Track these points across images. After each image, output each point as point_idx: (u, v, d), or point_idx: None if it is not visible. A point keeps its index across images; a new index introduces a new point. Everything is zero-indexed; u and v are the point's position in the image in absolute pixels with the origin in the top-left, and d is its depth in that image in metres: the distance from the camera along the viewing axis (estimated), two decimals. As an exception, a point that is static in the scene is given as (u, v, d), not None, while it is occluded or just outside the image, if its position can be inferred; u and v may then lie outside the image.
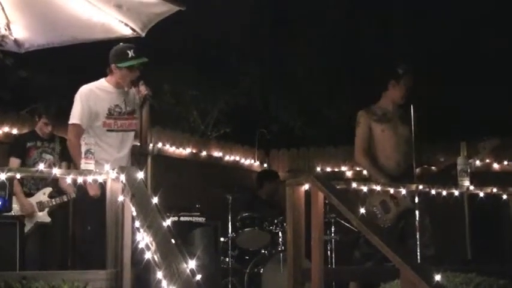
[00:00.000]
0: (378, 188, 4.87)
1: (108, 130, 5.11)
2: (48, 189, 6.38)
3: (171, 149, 8.91)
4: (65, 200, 6.41)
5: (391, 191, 5.37)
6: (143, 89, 4.98)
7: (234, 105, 11.63)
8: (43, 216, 6.34)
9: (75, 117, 5.05)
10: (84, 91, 5.11)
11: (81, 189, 4.83)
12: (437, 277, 3.31)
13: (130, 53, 5.06)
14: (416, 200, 5.30)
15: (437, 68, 10.60)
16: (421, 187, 4.92)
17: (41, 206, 6.32)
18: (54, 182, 6.39)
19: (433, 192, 4.91)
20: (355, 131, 5.88)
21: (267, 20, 11.62)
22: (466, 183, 5.01)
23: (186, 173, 8.89)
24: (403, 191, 5.14)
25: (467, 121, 9.98)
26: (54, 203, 6.36)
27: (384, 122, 5.81)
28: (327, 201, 4.87)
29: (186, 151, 9.16)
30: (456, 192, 4.99)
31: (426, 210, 5.60)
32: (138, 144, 5.12)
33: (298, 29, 11.62)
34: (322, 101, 11.81)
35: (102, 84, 5.20)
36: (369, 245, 6.08)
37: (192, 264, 2.89)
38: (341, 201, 4.19)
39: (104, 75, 5.24)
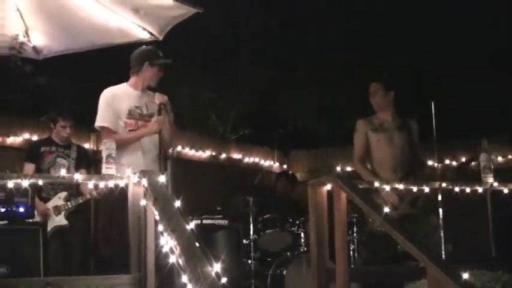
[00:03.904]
0: (401, 186, 4.85)
1: (130, 130, 5.14)
2: (64, 193, 6.39)
3: (190, 152, 8.92)
4: (80, 201, 6.41)
5: (386, 197, 5.44)
6: (158, 98, 5.12)
7: (252, 107, 11.62)
8: (60, 220, 6.35)
9: (100, 119, 5.12)
10: (107, 92, 5.20)
11: (104, 194, 4.83)
12: (465, 276, 3.27)
13: (161, 53, 5.29)
14: (440, 197, 5.28)
15: (456, 64, 10.53)
16: (444, 184, 4.88)
17: (57, 210, 6.33)
18: (71, 186, 6.41)
19: (457, 189, 4.87)
20: (353, 139, 5.94)
21: (281, 20, 11.58)
22: (490, 179, 4.98)
23: (206, 175, 8.89)
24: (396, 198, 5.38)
25: (488, 117, 9.89)
26: (69, 205, 6.37)
27: (380, 132, 5.85)
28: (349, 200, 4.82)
29: (205, 154, 9.17)
30: (480, 189, 4.95)
31: (431, 210, 5.60)
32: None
33: (314, 26, 11.56)
34: (340, 99, 11.74)
35: (124, 87, 5.29)
36: (369, 250, 6.14)
37: (217, 267, 2.86)
38: (364, 200, 4.15)
39: (122, 80, 5.30)
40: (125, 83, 5.30)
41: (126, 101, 5.18)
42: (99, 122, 5.13)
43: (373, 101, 5.93)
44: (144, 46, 5.37)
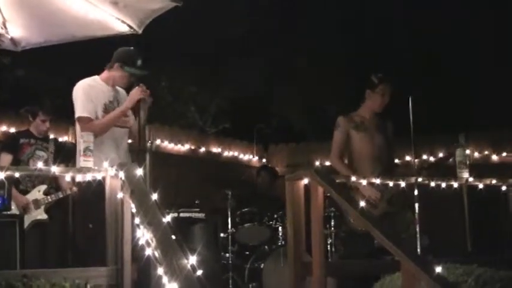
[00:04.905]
0: (378, 181, 4.89)
1: None
2: (43, 187, 6.38)
3: (169, 146, 8.91)
4: (61, 196, 6.41)
5: (366, 193, 5.48)
6: (136, 92, 5.06)
7: (232, 101, 11.62)
8: (39, 214, 6.33)
9: (81, 109, 5.03)
10: (84, 85, 5.13)
11: (81, 186, 4.83)
12: (438, 269, 3.31)
13: (139, 62, 5.15)
14: (416, 192, 5.32)
15: (437, 60, 10.60)
16: (420, 179, 4.93)
17: (36, 203, 6.31)
18: (50, 179, 6.40)
19: (433, 184, 4.92)
20: (333, 134, 5.92)
21: (267, 13, 11.57)
22: (465, 174, 5.02)
23: (185, 169, 8.89)
24: (378, 193, 5.44)
25: (466, 113, 9.98)
26: (49, 200, 6.36)
27: (361, 130, 5.85)
28: (327, 195, 4.85)
29: (184, 147, 9.16)
30: (455, 184, 5.00)
31: (408, 206, 5.64)
32: (136, 141, 5.16)
33: (298, 21, 11.56)
34: (322, 94, 11.77)
35: (97, 80, 5.22)
36: (347, 247, 6.18)
37: (192, 260, 2.88)
38: (341, 194, 4.18)
39: (99, 72, 5.26)
40: (97, 76, 5.23)
41: (101, 95, 5.14)
42: (81, 112, 5.02)
43: (381, 103, 5.87)
44: (129, 47, 5.29)
